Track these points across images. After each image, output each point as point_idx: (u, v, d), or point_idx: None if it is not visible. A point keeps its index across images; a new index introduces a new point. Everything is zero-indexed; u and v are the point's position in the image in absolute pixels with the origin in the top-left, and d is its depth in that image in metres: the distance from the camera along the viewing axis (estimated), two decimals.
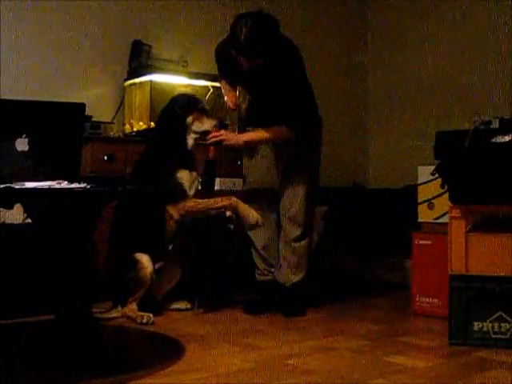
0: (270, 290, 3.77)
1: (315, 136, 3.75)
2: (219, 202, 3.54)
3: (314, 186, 3.74)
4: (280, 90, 3.50)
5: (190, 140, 3.63)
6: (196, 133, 3.62)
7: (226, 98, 3.89)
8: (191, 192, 3.58)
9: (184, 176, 3.56)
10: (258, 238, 3.78)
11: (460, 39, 5.14)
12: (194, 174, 3.63)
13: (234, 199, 3.54)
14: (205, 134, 3.62)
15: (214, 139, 3.59)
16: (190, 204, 3.55)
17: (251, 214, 3.53)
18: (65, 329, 2.64)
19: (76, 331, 2.59)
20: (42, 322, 3.16)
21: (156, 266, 3.55)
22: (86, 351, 2.55)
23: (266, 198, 3.75)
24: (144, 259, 3.48)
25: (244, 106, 3.89)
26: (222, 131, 3.63)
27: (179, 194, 3.54)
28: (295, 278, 3.70)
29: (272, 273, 3.79)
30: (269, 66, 3.43)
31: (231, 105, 3.87)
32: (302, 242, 3.69)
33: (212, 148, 3.66)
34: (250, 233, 3.77)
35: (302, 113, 3.57)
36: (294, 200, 3.66)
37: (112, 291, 3.54)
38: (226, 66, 3.72)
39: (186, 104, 3.65)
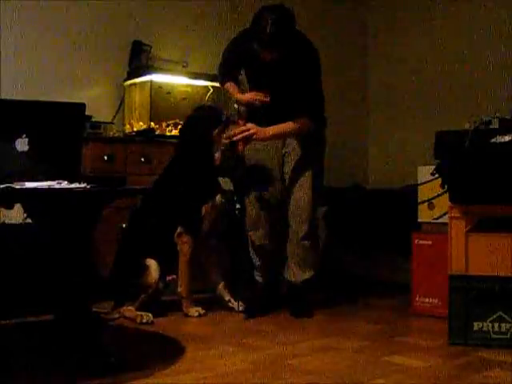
0: (269, 292, 3.77)
1: (322, 132, 3.75)
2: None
3: (319, 183, 3.74)
4: (302, 81, 3.52)
5: (217, 154, 3.63)
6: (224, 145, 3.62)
7: (238, 97, 3.74)
8: (206, 221, 3.62)
9: (204, 210, 3.61)
10: (258, 238, 3.76)
11: (460, 39, 5.14)
12: (218, 197, 3.67)
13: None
14: (233, 143, 3.58)
15: (243, 134, 3.52)
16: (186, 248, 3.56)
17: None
18: (65, 329, 2.64)
19: (76, 331, 2.59)
20: (42, 322, 3.16)
21: (167, 279, 3.59)
22: (86, 351, 2.54)
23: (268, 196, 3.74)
24: (153, 265, 3.49)
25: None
26: (249, 125, 3.55)
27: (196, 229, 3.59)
28: (304, 276, 3.69)
29: (271, 274, 3.79)
30: (290, 58, 3.43)
31: (260, 98, 3.61)
32: (309, 239, 3.67)
33: (241, 143, 3.55)
34: (249, 233, 3.77)
35: (322, 104, 3.61)
36: (300, 197, 3.64)
37: (116, 293, 3.53)
38: (239, 64, 3.70)
39: (208, 119, 3.64)
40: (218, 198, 3.69)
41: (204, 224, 3.62)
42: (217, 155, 3.63)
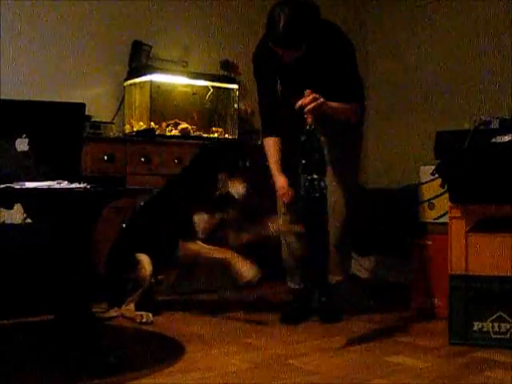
0: (305, 298, 3.58)
1: (361, 126, 3.54)
2: (215, 253, 3.47)
3: (355, 183, 3.55)
4: (338, 72, 3.28)
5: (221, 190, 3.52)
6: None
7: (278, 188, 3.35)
8: (202, 235, 3.53)
9: (200, 219, 3.52)
10: (296, 246, 3.52)
11: (460, 39, 5.14)
12: (217, 215, 3.55)
13: (229, 254, 3.43)
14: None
15: (317, 103, 3.09)
16: (194, 247, 3.51)
17: (246, 270, 3.38)
18: (65, 329, 2.64)
19: (76, 331, 2.59)
20: (42, 322, 3.16)
21: (159, 277, 3.58)
22: (86, 351, 2.54)
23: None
24: (144, 260, 3.48)
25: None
26: (315, 94, 3.11)
27: (190, 233, 3.51)
28: (335, 278, 3.51)
29: (304, 281, 3.59)
30: (316, 52, 3.21)
31: (286, 200, 3.33)
32: (342, 245, 3.46)
33: (310, 115, 3.10)
34: (285, 238, 3.58)
35: (363, 92, 3.41)
36: (335, 201, 3.37)
37: (110, 290, 3.54)
38: (269, 72, 3.39)
39: (217, 160, 3.57)
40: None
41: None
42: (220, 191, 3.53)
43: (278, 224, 3.58)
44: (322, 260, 3.11)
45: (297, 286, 3.62)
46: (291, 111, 3.17)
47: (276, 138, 3.42)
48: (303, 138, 3.03)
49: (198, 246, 3.50)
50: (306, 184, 2.96)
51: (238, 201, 3.51)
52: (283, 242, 3.60)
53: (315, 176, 2.96)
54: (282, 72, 3.36)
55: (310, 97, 3.09)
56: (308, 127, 3.04)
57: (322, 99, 3.10)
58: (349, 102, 3.28)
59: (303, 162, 2.99)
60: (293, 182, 3.29)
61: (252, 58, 3.49)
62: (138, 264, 3.47)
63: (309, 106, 3.07)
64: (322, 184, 2.96)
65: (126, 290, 3.47)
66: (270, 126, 3.46)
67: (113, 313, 3.45)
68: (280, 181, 3.34)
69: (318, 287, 3.21)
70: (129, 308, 3.44)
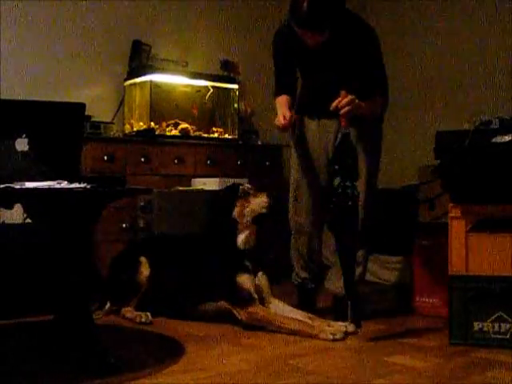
0: (311, 296, 3.57)
1: (380, 125, 3.41)
2: (291, 323, 3.11)
3: (376, 178, 3.42)
4: (363, 61, 3.18)
5: (244, 233, 3.30)
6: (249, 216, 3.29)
7: (279, 118, 3.22)
8: (255, 296, 3.24)
9: (245, 280, 3.24)
10: (305, 244, 3.51)
11: (460, 39, 5.13)
12: (260, 275, 3.31)
13: (309, 324, 3.11)
14: (262, 215, 3.27)
15: (351, 106, 2.98)
16: (261, 313, 3.19)
17: (331, 333, 3.03)
18: (65, 329, 2.64)
19: (76, 331, 2.59)
20: (42, 322, 3.16)
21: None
22: (86, 351, 2.54)
23: (316, 197, 3.41)
24: (143, 262, 3.49)
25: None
26: (351, 96, 2.99)
27: (245, 299, 3.21)
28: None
29: (314, 282, 3.55)
30: (341, 40, 3.13)
31: (283, 122, 3.18)
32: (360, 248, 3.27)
33: (344, 118, 3.00)
34: (294, 236, 3.54)
35: (387, 81, 3.27)
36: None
37: (112, 292, 3.54)
38: (288, 54, 3.30)
39: (224, 199, 3.36)
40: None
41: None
42: (241, 238, 3.31)
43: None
44: (351, 269, 3.02)
45: (299, 281, 3.59)
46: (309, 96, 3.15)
47: (288, 96, 3.33)
48: (337, 143, 2.98)
49: (264, 312, 3.21)
50: (339, 191, 2.91)
51: (265, 214, 3.29)
52: (292, 234, 3.56)
53: (348, 183, 2.90)
54: (303, 57, 3.27)
55: (347, 99, 2.99)
56: (343, 131, 2.97)
57: (357, 101, 3.00)
58: (373, 94, 3.19)
59: (336, 167, 2.93)
60: (325, 185, 3.25)
61: (272, 40, 3.40)
62: (139, 266, 3.47)
63: (345, 109, 2.98)
64: (356, 192, 2.91)
65: (128, 291, 3.47)
66: (283, 88, 3.36)
67: (98, 314, 3.39)
68: (283, 110, 3.21)
69: (350, 297, 3.04)
70: (128, 309, 3.44)
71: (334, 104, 3.00)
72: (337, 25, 3.07)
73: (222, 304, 3.28)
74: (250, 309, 3.19)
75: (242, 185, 3.38)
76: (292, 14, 3.06)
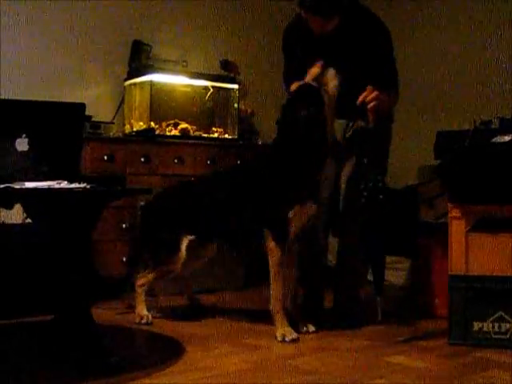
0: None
1: (389, 126, 3.32)
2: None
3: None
4: (374, 54, 3.11)
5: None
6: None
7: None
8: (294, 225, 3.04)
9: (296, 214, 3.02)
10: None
11: (460, 39, 5.14)
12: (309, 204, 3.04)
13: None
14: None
15: (376, 102, 2.90)
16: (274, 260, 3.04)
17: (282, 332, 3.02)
18: (65, 329, 2.64)
19: (76, 331, 2.59)
20: (42, 322, 3.16)
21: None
22: (86, 351, 2.54)
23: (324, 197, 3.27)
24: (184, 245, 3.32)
25: None
26: (377, 92, 2.92)
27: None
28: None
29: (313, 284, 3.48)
30: (351, 31, 3.07)
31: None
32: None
33: (372, 113, 2.95)
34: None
35: (397, 76, 3.20)
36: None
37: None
38: (297, 44, 3.23)
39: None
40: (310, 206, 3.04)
41: (292, 229, 3.03)
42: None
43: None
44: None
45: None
46: None
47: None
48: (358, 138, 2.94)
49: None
50: (370, 185, 2.88)
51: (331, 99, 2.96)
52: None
53: (379, 177, 2.88)
54: (312, 49, 3.20)
55: (374, 94, 2.92)
56: (370, 126, 2.92)
57: (382, 96, 2.93)
58: (384, 88, 3.09)
59: (365, 161, 2.90)
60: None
61: (283, 32, 3.36)
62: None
63: (373, 104, 2.91)
64: (386, 186, 2.90)
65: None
66: (295, 76, 3.20)
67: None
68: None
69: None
70: (141, 305, 3.38)
71: (360, 98, 2.94)
72: (345, 14, 3.01)
73: None
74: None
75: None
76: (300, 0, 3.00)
